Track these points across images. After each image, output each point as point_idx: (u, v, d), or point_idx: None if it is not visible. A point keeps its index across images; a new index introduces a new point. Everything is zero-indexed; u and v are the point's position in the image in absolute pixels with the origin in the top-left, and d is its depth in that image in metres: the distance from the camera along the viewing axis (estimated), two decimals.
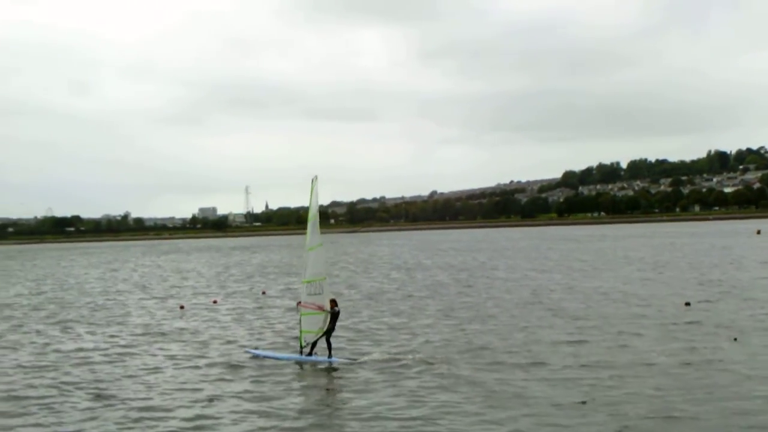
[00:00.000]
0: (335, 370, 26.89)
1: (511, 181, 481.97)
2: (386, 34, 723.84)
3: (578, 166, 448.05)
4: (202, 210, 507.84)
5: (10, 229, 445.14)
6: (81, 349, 32.67)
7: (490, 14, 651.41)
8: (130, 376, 26.72)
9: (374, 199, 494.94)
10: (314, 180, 29.38)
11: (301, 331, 29.10)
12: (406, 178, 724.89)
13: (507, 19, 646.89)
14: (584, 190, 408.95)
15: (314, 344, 28.62)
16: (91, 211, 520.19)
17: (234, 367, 27.94)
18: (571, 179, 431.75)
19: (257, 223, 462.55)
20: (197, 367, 28.03)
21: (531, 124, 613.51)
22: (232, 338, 34.67)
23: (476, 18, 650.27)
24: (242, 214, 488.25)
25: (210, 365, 28.30)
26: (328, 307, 28.02)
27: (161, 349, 32.40)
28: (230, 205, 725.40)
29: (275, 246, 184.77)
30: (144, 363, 29.21)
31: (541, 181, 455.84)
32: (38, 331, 39.06)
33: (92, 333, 37.95)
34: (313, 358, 28.51)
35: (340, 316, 29.13)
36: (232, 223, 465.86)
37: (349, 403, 22.06)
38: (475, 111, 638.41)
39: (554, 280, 56.84)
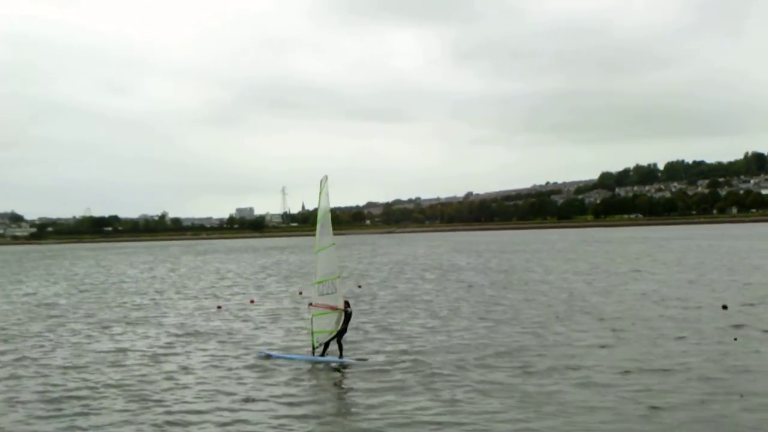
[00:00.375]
0: (370, 372, 26.64)
1: (547, 183, 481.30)
2: (421, 34, 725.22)
3: (615, 168, 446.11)
4: (239, 210, 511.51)
5: (50, 229, 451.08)
6: (118, 350, 32.77)
7: (526, 14, 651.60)
8: (166, 378, 26.79)
9: (410, 200, 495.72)
10: (323, 180, 29.70)
11: (312, 332, 29.37)
12: (441, 179, 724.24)
13: (543, 19, 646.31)
14: (621, 191, 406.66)
15: (327, 345, 28.91)
16: (129, 211, 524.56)
17: (269, 368, 27.93)
18: (607, 180, 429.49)
19: (294, 224, 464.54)
20: (233, 369, 28.01)
21: (567, 124, 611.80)
22: (268, 339, 34.61)
23: (512, 18, 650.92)
24: (279, 214, 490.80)
25: (246, 367, 28.24)
26: (341, 306, 28.23)
27: (197, 349, 32.47)
28: (267, 206, 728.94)
29: (312, 246, 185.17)
30: (180, 364, 29.28)
31: (578, 182, 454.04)
32: (75, 331, 39.28)
33: (129, 333, 38.09)
34: (325, 358, 28.73)
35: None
36: (269, 224, 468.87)
37: (384, 408, 21.83)
38: (510, 111, 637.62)
39: (591, 283, 56.39)
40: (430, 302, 47.16)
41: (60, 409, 22.47)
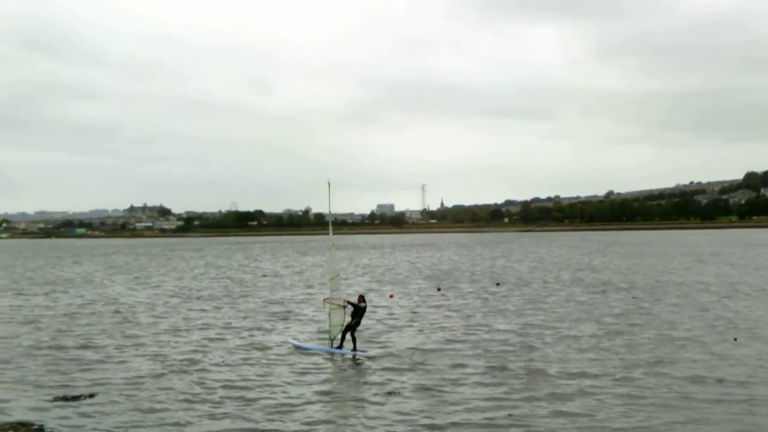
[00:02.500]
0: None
1: (691, 182, 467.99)
2: (562, 30, 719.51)
3: (761, 167, 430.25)
4: (380, 206, 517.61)
5: (196, 223, 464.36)
6: (247, 346, 33.02)
7: (669, 9, 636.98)
8: (292, 373, 27.48)
9: (549, 198, 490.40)
10: (329, 186, 32.00)
11: (330, 326, 31.13)
12: (581, 177, 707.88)
13: (687, 14, 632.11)
14: (767, 191, 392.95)
15: (343, 337, 30.62)
16: (273, 205, 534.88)
17: (403, 365, 28.29)
18: (753, 180, 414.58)
19: (433, 220, 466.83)
20: (369, 369, 28.27)
21: (712, 122, 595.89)
22: (403, 337, 34.92)
23: (656, 14, 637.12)
24: (419, 210, 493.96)
25: (385, 369, 27.97)
26: (343, 303, 30.49)
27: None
28: (407, 202, 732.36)
29: (450, 243, 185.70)
30: (312, 361, 29.58)
31: (722, 182, 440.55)
32: (222, 325, 39.88)
33: (261, 329, 38.24)
34: (342, 350, 30.51)
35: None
36: (408, 220, 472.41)
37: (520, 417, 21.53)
38: (653, 109, 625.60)
39: (735, 288, 54.83)
40: (562, 304, 46.73)
41: (190, 404, 22.95)
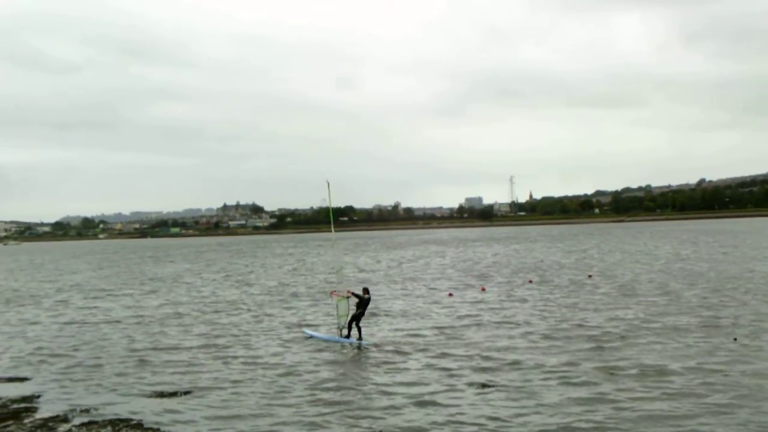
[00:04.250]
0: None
1: None
2: (647, 17, 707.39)
3: None
4: (468, 200, 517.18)
5: (289, 219, 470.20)
6: (328, 347, 32.47)
7: None
8: (382, 375, 27.70)
9: (639, 188, 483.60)
10: (328, 185, 34.49)
11: (338, 316, 32.82)
12: (672, 165, 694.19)
13: None
14: None
15: (350, 327, 32.54)
16: (364, 201, 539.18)
17: (495, 361, 28.04)
18: None
19: (521, 213, 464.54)
20: (459, 367, 28.07)
21: None
22: (493, 332, 34.49)
23: None
24: (507, 203, 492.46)
25: (480, 367, 27.86)
26: (347, 294, 32.66)
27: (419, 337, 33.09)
28: (495, 195, 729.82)
29: (540, 236, 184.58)
30: (407, 367, 29.23)
31: None
32: (294, 325, 39.71)
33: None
34: (349, 340, 32.20)
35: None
36: (497, 213, 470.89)
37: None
38: (740, 94, 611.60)
39: None
40: (654, 296, 45.97)
41: (278, 405, 23.47)
